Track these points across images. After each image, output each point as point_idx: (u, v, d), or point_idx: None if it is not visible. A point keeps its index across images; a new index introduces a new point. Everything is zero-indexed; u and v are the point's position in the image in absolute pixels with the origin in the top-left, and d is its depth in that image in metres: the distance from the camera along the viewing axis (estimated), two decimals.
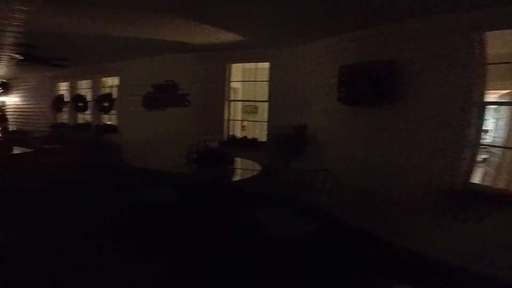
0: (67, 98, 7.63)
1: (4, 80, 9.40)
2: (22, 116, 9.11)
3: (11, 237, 2.66)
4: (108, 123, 6.90)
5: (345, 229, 3.27)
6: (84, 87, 7.40)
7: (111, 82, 6.87)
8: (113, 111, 6.64)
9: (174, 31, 3.93)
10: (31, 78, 8.62)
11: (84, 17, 3.40)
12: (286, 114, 4.50)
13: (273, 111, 4.72)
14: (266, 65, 4.80)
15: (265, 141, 4.77)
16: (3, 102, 9.52)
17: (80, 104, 7.26)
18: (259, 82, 5.18)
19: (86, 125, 7.22)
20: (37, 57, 4.34)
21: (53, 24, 3.62)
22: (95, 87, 6.97)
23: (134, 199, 3.48)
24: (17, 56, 4.12)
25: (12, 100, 9.44)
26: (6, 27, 3.54)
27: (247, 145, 4.84)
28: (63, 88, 7.91)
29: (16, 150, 5.37)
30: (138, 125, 6.08)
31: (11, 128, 9.23)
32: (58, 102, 7.80)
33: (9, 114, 9.52)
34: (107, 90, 6.78)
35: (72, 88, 7.55)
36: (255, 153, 4.13)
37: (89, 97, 7.14)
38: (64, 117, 7.91)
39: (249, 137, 5.09)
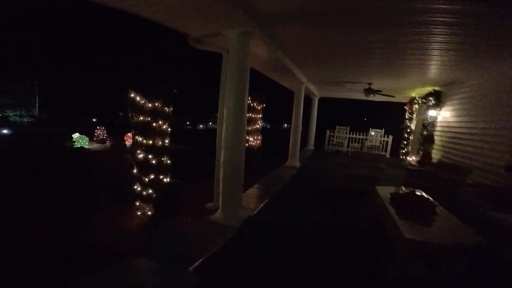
0: None
1: (437, 88, 6.88)
2: (450, 142, 5.99)
3: None
4: None
5: None
6: None
7: None
8: None
9: None
10: (474, 79, 5.15)
11: None
12: None
13: None
14: None
15: None
16: (434, 117, 7.02)
17: None
18: None
19: None
20: None
21: None
22: None
23: None
24: None
25: (443, 115, 6.69)
26: None
27: None
28: None
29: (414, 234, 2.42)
30: None
31: (436, 157, 6.56)
32: None
33: (436, 136, 6.88)
34: None
35: None
36: None
37: None
38: None
39: None
